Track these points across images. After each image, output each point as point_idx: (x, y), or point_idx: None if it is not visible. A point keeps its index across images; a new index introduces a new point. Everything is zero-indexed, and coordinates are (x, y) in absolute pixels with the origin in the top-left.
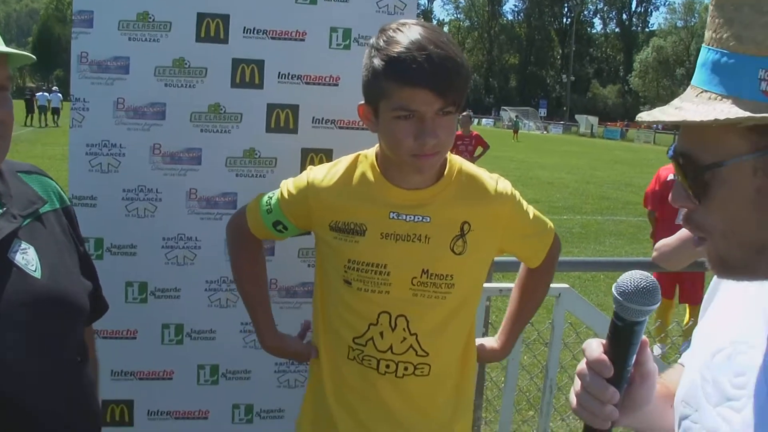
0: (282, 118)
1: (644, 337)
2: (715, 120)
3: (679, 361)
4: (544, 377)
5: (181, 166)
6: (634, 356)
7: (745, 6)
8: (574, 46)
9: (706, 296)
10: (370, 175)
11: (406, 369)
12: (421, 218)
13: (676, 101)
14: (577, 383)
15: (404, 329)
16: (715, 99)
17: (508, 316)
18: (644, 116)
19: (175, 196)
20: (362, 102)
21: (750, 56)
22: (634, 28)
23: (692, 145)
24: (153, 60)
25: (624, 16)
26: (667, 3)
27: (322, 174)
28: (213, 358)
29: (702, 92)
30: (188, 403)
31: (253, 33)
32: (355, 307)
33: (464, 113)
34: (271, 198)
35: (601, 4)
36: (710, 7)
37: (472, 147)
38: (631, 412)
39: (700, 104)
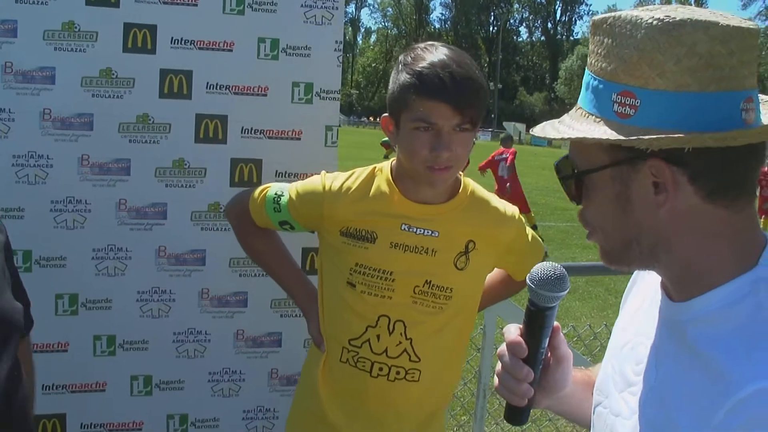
0: (211, 129)
1: (556, 323)
2: (563, 138)
3: None
4: (477, 382)
5: (110, 177)
6: (547, 339)
7: (606, 38)
8: (500, 54)
9: (625, 292)
10: (385, 188)
11: (398, 373)
12: (430, 232)
13: (564, 116)
14: (499, 364)
15: (401, 333)
16: (586, 116)
17: None
18: (537, 131)
19: (104, 207)
20: (386, 114)
21: (607, 81)
22: (559, 36)
23: (573, 155)
24: (80, 70)
25: (549, 25)
26: (590, 12)
27: (339, 183)
28: (146, 369)
29: (578, 109)
30: (122, 414)
31: (181, 43)
32: (356, 308)
33: None
34: (280, 197)
35: (527, 12)
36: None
37: None
38: (549, 393)
39: (575, 119)
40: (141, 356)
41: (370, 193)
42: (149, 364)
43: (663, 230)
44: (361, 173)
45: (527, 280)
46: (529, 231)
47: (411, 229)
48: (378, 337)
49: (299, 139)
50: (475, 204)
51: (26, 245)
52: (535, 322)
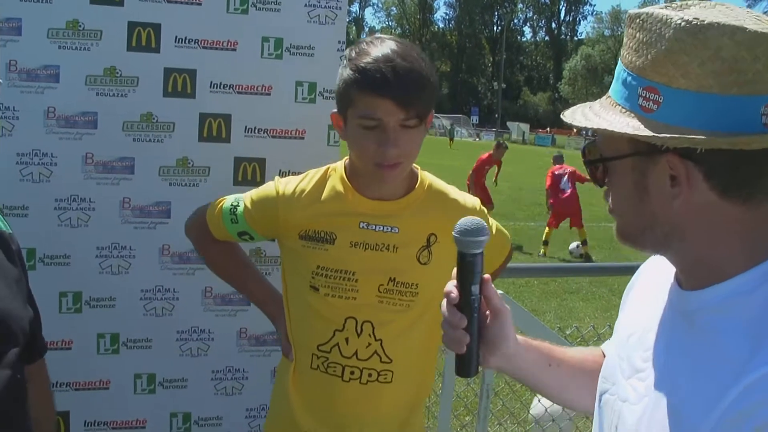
0: (214, 128)
1: (487, 276)
2: (583, 127)
3: (602, 347)
4: (480, 383)
5: (114, 176)
6: (477, 287)
7: (638, 32)
8: (504, 54)
9: (625, 291)
10: (340, 187)
11: (370, 375)
12: (389, 229)
13: (595, 103)
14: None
15: (370, 335)
16: (614, 106)
17: None
18: (567, 115)
19: (108, 206)
20: (335, 110)
21: (635, 75)
22: (563, 36)
23: (600, 141)
24: (84, 68)
25: (553, 25)
26: (594, 12)
27: (292, 186)
28: (149, 367)
29: (608, 97)
30: (125, 413)
31: (185, 42)
32: (322, 312)
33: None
34: (236, 207)
35: (531, 12)
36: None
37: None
38: (493, 349)
39: (603, 108)
40: (144, 354)
41: (325, 194)
42: (153, 362)
43: (677, 220)
44: (314, 175)
45: (453, 233)
46: (494, 222)
47: (370, 227)
48: (347, 340)
49: (302, 138)
50: (433, 197)
51: (30, 243)
52: (463, 270)
